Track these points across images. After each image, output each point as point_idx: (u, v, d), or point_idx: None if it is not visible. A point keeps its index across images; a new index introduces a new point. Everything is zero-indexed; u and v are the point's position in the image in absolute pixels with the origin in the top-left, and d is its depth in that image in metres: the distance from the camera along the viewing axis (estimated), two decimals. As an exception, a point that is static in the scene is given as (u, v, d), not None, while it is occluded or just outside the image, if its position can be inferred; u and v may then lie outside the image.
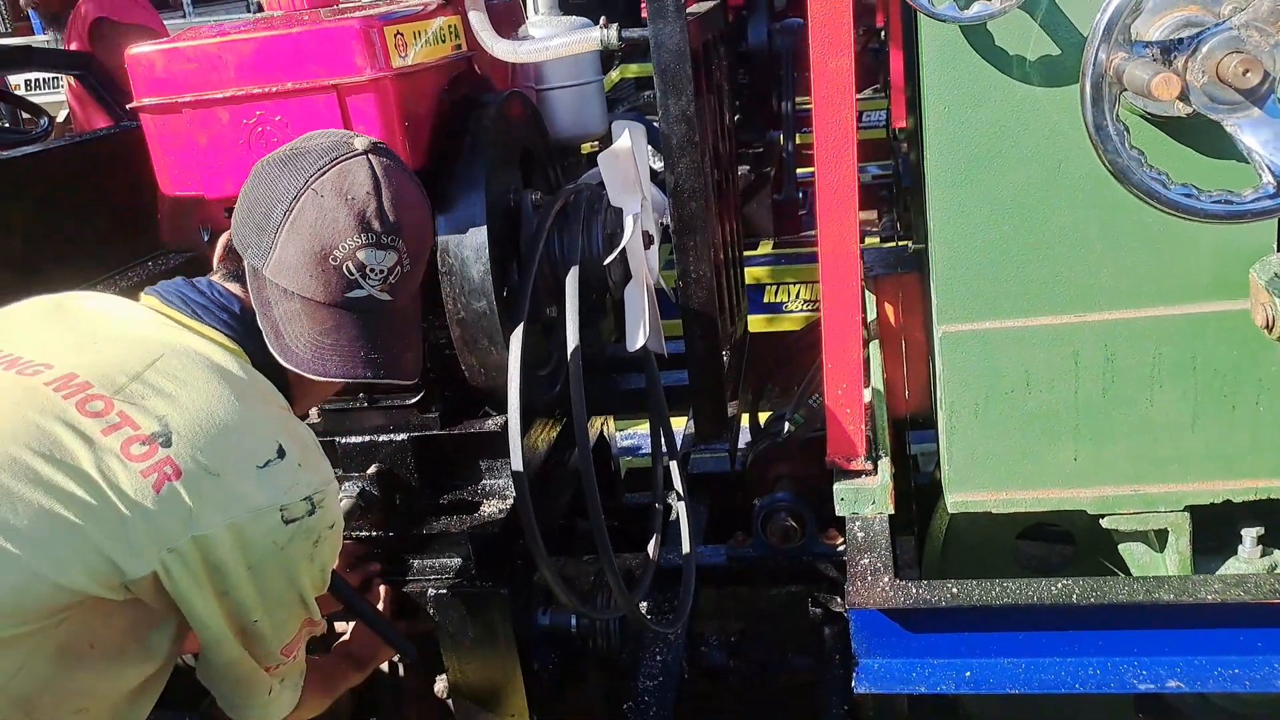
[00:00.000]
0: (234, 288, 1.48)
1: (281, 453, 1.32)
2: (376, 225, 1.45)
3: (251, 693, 1.40)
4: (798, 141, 5.04)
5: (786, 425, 2.44)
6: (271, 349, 1.44)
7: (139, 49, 1.85)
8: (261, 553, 1.28)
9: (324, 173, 1.44)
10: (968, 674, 1.72)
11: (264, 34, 1.78)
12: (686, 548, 2.18)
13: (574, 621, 2.21)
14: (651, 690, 2.28)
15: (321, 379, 1.46)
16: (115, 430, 1.22)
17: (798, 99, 5.06)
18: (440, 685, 2.35)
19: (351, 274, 1.45)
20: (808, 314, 4.25)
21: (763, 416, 2.92)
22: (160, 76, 1.83)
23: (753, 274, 4.34)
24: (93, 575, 1.16)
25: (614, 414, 2.84)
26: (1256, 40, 1.30)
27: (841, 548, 2.55)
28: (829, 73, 1.66)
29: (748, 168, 4.89)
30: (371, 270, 1.46)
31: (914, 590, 1.70)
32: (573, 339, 1.93)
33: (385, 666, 2.30)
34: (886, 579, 1.73)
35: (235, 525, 1.25)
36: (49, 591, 1.14)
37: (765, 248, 4.88)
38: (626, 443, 3.55)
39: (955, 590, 1.70)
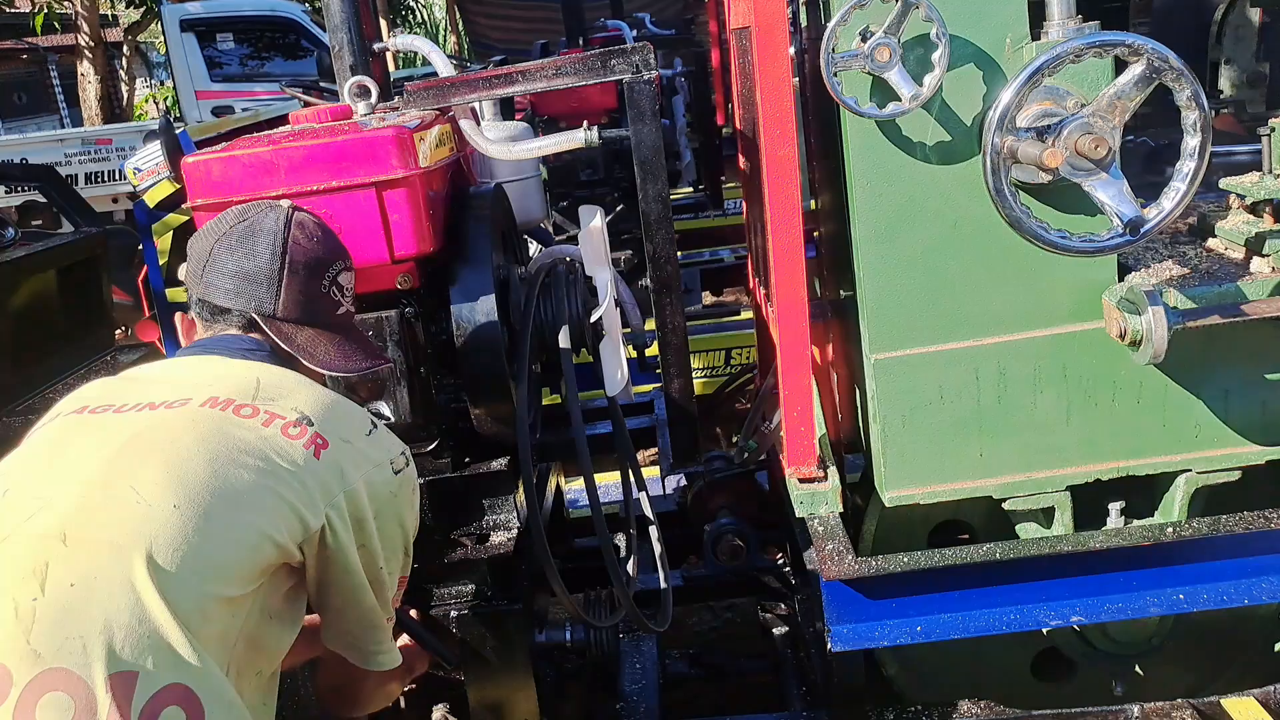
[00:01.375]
0: (253, 335, 1.80)
1: (374, 424, 1.71)
2: (339, 253, 1.87)
3: (382, 637, 1.72)
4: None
5: (737, 452, 2.85)
6: (311, 365, 1.78)
7: (195, 158, 2.18)
8: (381, 502, 1.64)
9: (288, 231, 1.81)
10: (918, 628, 2.15)
11: (312, 143, 2.14)
12: (660, 554, 2.57)
13: (569, 636, 2.56)
14: (637, 691, 2.64)
15: (358, 375, 1.85)
16: (270, 422, 1.56)
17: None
18: (438, 714, 2.65)
19: (336, 295, 1.85)
20: (704, 380, 4.70)
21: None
22: (217, 180, 2.16)
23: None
24: (291, 532, 1.49)
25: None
26: (1101, 124, 1.82)
27: (781, 562, 2.98)
28: (778, 160, 2.11)
29: (630, 251, 5.36)
30: (346, 289, 1.88)
31: (873, 563, 2.14)
32: (570, 380, 2.32)
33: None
34: (850, 558, 2.15)
35: (367, 479, 1.61)
36: (269, 550, 1.47)
37: (650, 324, 5.34)
38: (569, 495, 3.90)
39: (905, 559, 2.14)
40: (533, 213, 3.00)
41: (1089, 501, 2.33)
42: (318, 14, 13.76)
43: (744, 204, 3.31)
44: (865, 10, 2.02)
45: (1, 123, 22.34)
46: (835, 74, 2.03)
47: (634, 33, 6.15)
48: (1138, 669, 2.58)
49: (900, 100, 2.04)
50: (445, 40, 16.88)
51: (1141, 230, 1.83)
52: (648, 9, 9.42)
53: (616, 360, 2.46)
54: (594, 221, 2.42)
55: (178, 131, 5.11)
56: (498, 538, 2.41)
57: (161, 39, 21.30)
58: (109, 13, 19.38)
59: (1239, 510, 2.23)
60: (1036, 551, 2.12)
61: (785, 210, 2.13)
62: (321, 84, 6.37)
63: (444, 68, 2.62)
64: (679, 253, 6.25)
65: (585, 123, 2.34)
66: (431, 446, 2.40)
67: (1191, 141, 1.79)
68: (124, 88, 18.10)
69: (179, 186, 4.98)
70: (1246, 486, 2.27)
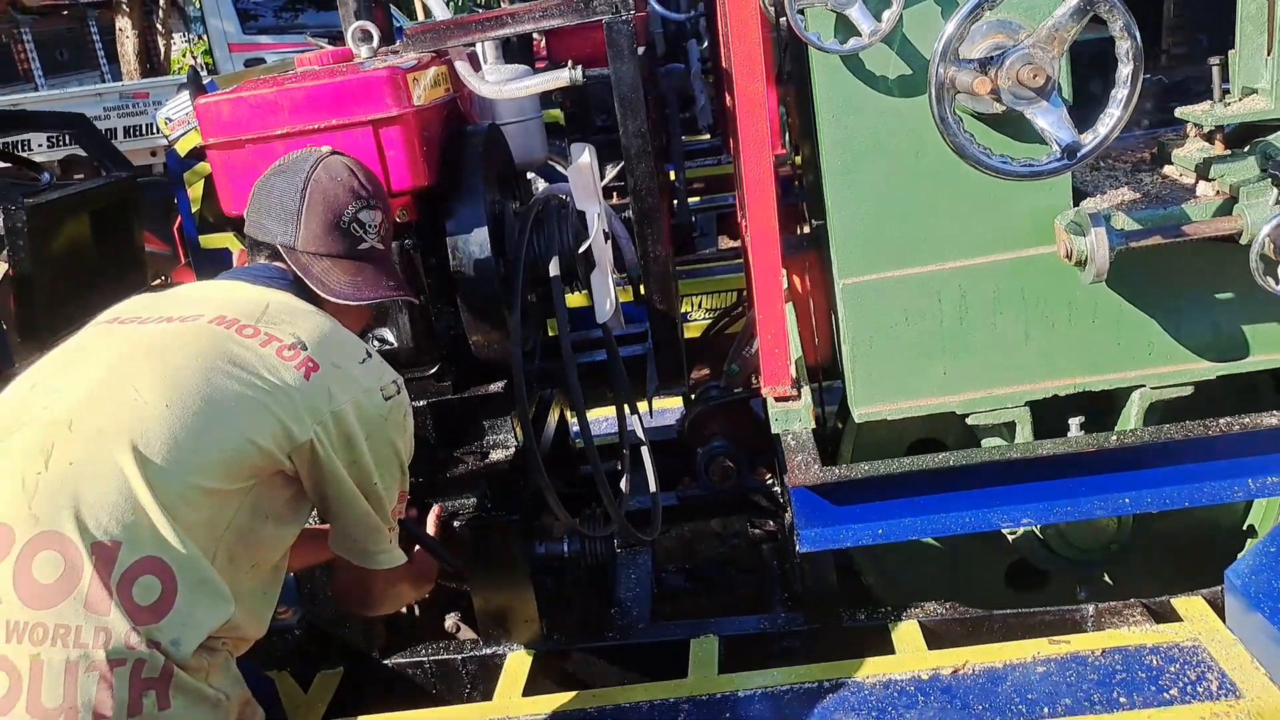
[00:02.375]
0: (278, 264, 2.00)
1: (369, 354, 1.89)
2: (363, 193, 2.03)
3: (380, 538, 1.90)
4: (686, 174, 5.67)
5: (725, 374, 3.01)
6: (322, 294, 1.96)
7: (207, 100, 2.35)
8: (373, 425, 1.81)
9: (315, 170, 2.00)
10: (880, 530, 2.31)
11: (313, 84, 2.30)
12: (651, 473, 2.74)
13: (566, 548, 2.74)
14: (632, 598, 2.82)
15: (364, 303, 2.01)
16: (268, 343, 1.75)
17: (684, 136, 5.70)
18: (450, 621, 2.85)
19: (356, 231, 2.02)
20: (708, 320, 4.85)
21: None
22: (227, 120, 2.33)
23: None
24: (276, 440, 1.68)
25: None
26: (1040, 55, 1.94)
27: (770, 481, 3.14)
28: (747, 94, 2.24)
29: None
30: (369, 225, 2.05)
31: (836, 471, 2.29)
32: (560, 303, 2.49)
33: (404, 610, 2.79)
34: (816, 466, 2.31)
35: (356, 401, 1.79)
36: (252, 453, 1.65)
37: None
38: (575, 428, 4.09)
39: (866, 467, 2.29)
40: (534, 152, 3.14)
41: (1051, 418, 2.46)
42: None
43: (729, 141, 3.43)
44: (828, -51, 2.14)
45: (44, 78, 22.74)
46: (800, 11, 2.15)
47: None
48: (1106, 579, 2.73)
49: (861, 36, 2.16)
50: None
51: (1078, 154, 1.95)
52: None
53: (605, 288, 2.61)
54: (583, 158, 2.57)
55: (206, 82, 5.29)
56: (496, 455, 2.59)
57: (198, -7, 21.50)
58: (146, -32, 19.57)
59: (1195, 425, 2.35)
60: (987, 458, 2.26)
61: (755, 140, 2.26)
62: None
63: (440, 11, 2.76)
64: (695, 198, 6.37)
65: (570, 62, 2.47)
66: (433, 370, 2.58)
67: (1124, 69, 1.90)
68: (161, 42, 18.32)
69: (208, 135, 5.18)
70: (1201, 401, 2.39)
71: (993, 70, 1.96)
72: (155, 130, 10.32)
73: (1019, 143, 2.20)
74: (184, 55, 19.09)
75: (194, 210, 5.56)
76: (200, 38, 21.84)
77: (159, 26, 18.17)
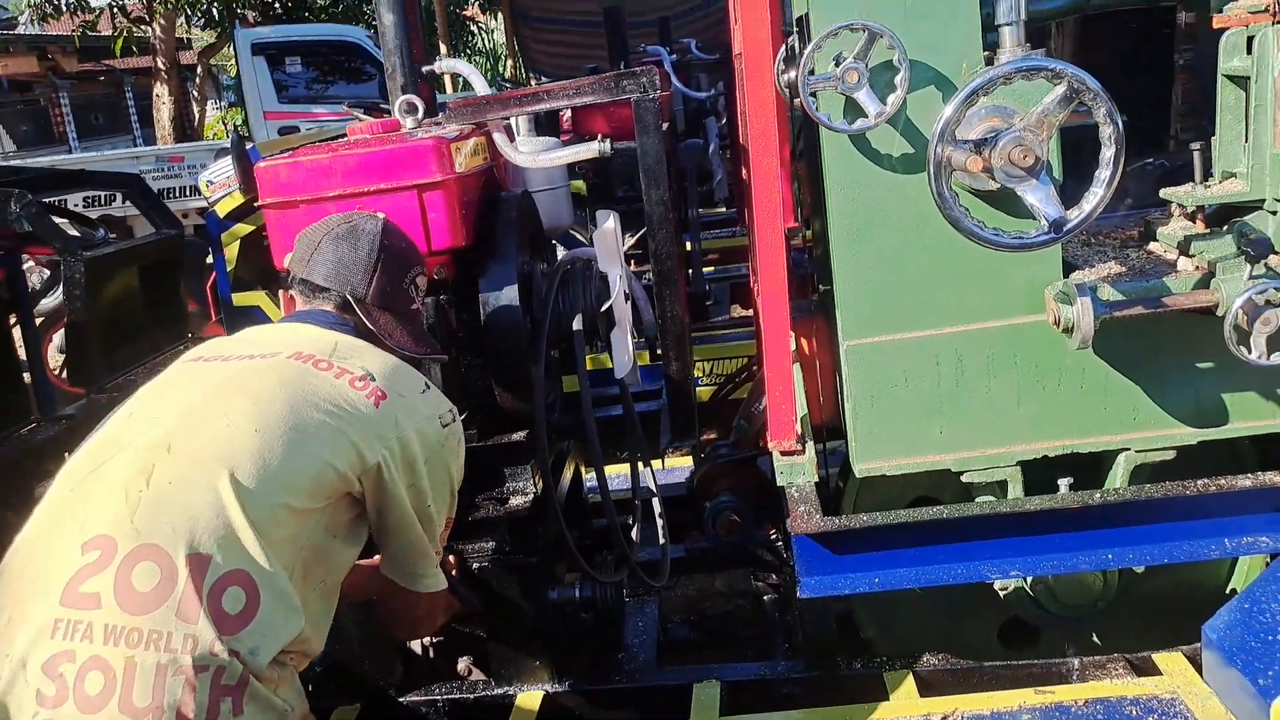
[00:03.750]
0: (344, 314, 2.19)
1: (428, 385, 2.08)
2: (418, 260, 2.29)
3: (428, 562, 2.06)
4: (702, 245, 5.88)
5: (734, 430, 3.17)
6: (389, 343, 2.16)
7: (267, 163, 2.55)
8: (431, 450, 1.99)
9: (385, 235, 2.23)
10: (876, 579, 2.44)
11: (364, 151, 2.49)
12: (659, 516, 2.89)
13: (578, 592, 2.87)
14: (638, 644, 2.95)
15: (422, 358, 2.22)
16: (341, 375, 1.94)
17: (701, 209, 5.92)
18: (462, 664, 2.98)
19: (412, 292, 2.27)
20: (715, 385, 5.01)
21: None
22: (284, 182, 2.52)
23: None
24: (350, 463, 1.85)
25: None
26: (1030, 138, 2.12)
27: (774, 536, 3.28)
28: (762, 167, 2.43)
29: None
30: (420, 288, 2.30)
31: (836, 520, 2.44)
32: (580, 355, 2.66)
33: (418, 647, 2.92)
34: (818, 517, 2.45)
35: (418, 428, 1.97)
36: (331, 476, 1.82)
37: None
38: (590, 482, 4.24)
39: (865, 518, 2.44)
40: (561, 219, 3.35)
41: (1041, 478, 2.60)
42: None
43: (744, 213, 3.63)
44: (838, 39, 2.34)
45: (78, 141, 23.33)
46: (812, 94, 2.35)
47: (673, 57, 6.49)
48: (1094, 638, 2.85)
49: (868, 117, 2.35)
50: (504, 64, 17.43)
51: (1064, 229, 2.12)
52: (695, 35, 9.77)
53: (624, 345, 2.79)
54: (608, 223, 2.76)
55: (248, 147, 5.54)
56: (516, 500, 2.74)
57: (233, 61, 22.13)
58: (184, 36, 20.18)
59: (1179, 488, 2.49)
60: (979, 512, 2.41)
61: (767, 207, 2.44)
62: (382, 105, 6.80)
63: (480, 87, 2.97)
64: (710, 268, 6.56)
65: (599, 135, 2.67)
66: (461, 418, 2.74)
67: (1107, 152, 2.08)
68: (195, 109, 18.84)
69: (248, 198, 5.42)
70: (1184, 465, 2.53)
71: (987, 150, 2.15)
72: (189, 193, 10.66)
73: (1011, 217, 2.38)
74: (218, 121, 19.64)
75: (229, 269, 5.79)
76: (232, 105, 22.44)
77: (194, 94, 18.70)
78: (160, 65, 16.43)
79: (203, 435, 1.78)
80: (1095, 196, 2.12)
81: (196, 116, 18.79)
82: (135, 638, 1.60)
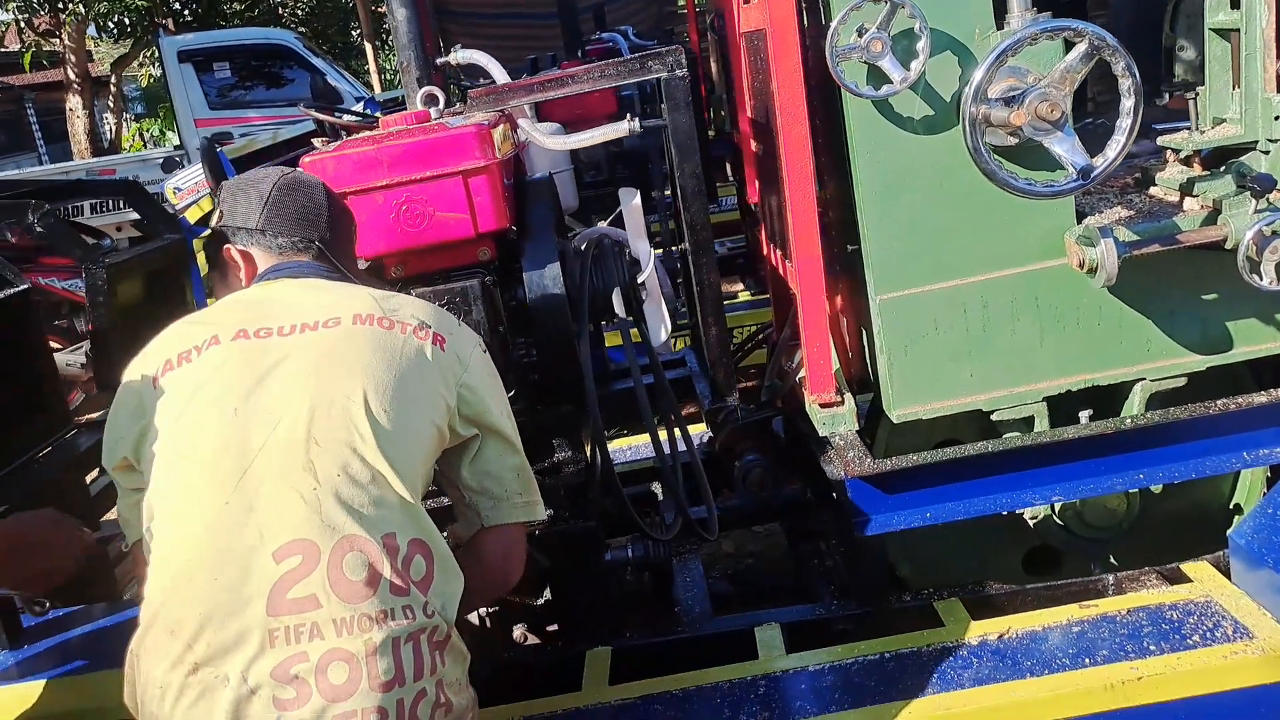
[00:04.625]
0: (319, 261, 2.12)
1: (457, 322, 2.10)
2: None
3: (535, 487, 2.10)
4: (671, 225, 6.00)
5: (765, 391, 3.31)
6: (360, 283, 2.16)
7: (312, 157, 2.62)
8: (486, 373, 2.04)
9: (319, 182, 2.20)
10: (928, 514, 2.61)
11: (409, 140, 2.58)
12: (700, 471, 3.02)
13: (630, 553, 3.00)
14: (690, 597, 3.08)
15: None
16: (405, 330, 1.94)
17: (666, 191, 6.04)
18: (518, 632, 3.10)
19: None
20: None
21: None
22: (331, 175, 2.59)
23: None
24: (448, 414, 1.91)
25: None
26: (1055, 93, 2.29)
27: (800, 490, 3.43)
28: (793, 136, 2.57)
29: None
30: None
31: (889, 462, 2.60)
32: (626, 334, 2.77)
33: (474, 619, 3.03)
34: (869, 459, 2.61)
35: (476, 356, 2.02)
36: (435, 435, 1.89)
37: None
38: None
39: (915, 457, 2.60)
40: (568, 200, 3.46)
41: (1063, 411, 2.79)
42: (309, 39, 14.18)
43: (751, 185, 3.77)
44: (860, 11, 2.48)
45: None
46: (839, 63, 2.49)
47: (624, 43, 6.59)
48: (1112, 560, 3.05)
49: (892, 83, 2.50)
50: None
51: (1092, 175, 2.30)
52: (626, 21, 9.88)
53: (660, 316, 2.91)
54: (634, 201, 2.88)
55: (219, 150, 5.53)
56: (568, 469, 2.85)
57: (143, 72, 21.66)
58: (89, 49, 19.75)
59: (1188, 412, 2.69)
60: (1020, 444, 2.58)
61: (800, 176, 2.58)
62: (337, 108, 6.80)
63: (500, 76, 3.06)
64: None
65: (628, 115, 2.78)
66: (510, 394, 2.84)
67: (1127, 102, 2.26)
68: (111, 121, 18.45)
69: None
70: (1194, 391, 2.74)
71: (1014, 106, 2.31)
72: (122, 206, 10.46)
73: (1030, 170, 2.55)
74: (133, 134, 19.24)
75: (201, 274, 5.79)
76: (141, 117, 21.99)
77: (110, 105, 18.31)
78: (72, 77, 16.07)
79: (335, 420, 1.79)
80: (1118, 144, 2.30)
81: (113, 129, 18.40)
82: (365, 623, 1.68)
